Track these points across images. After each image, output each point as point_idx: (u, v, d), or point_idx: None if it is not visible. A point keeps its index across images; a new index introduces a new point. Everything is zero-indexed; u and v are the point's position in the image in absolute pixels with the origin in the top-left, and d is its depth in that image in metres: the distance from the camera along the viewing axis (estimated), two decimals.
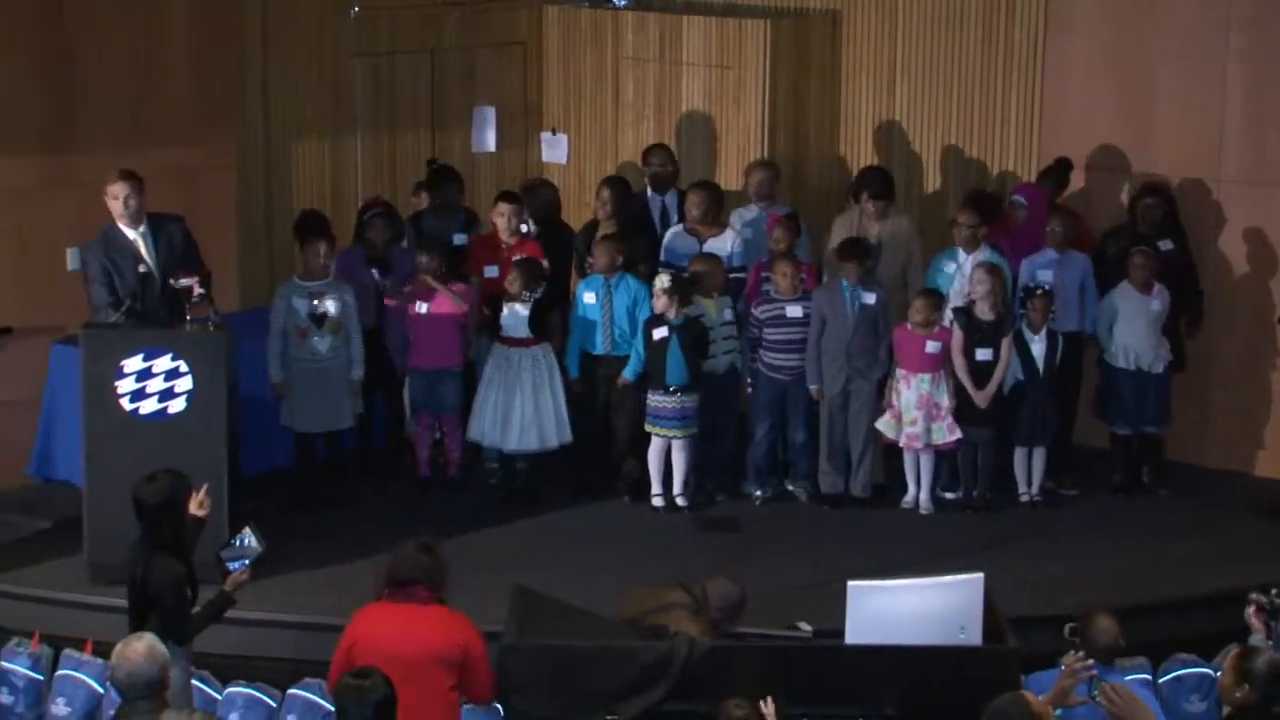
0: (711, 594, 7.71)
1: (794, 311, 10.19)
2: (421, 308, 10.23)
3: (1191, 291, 10.64)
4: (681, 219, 10.87)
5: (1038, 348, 10.16)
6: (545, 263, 10.38)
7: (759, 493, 10.40)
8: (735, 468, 10.47)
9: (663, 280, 10.02)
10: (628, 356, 10.20)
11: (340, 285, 10.01)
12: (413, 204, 11.28)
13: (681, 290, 10.02)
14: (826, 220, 11.26)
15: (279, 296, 9.99)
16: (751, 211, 10.98)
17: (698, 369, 10.08)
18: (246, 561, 7.43)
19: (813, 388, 10.20)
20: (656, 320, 10.06)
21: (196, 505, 7.45)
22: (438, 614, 6.67)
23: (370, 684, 5.84)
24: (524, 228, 10.65)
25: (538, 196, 11.04)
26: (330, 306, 9.88)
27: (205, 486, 7.58)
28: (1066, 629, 7.32)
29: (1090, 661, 6.58)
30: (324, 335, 9.89)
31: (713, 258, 10.38)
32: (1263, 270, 10.71)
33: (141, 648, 5.94)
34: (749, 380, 10.39)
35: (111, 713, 6.23)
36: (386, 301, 10.30)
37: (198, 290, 8.96)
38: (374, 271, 10.34)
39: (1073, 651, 6.73)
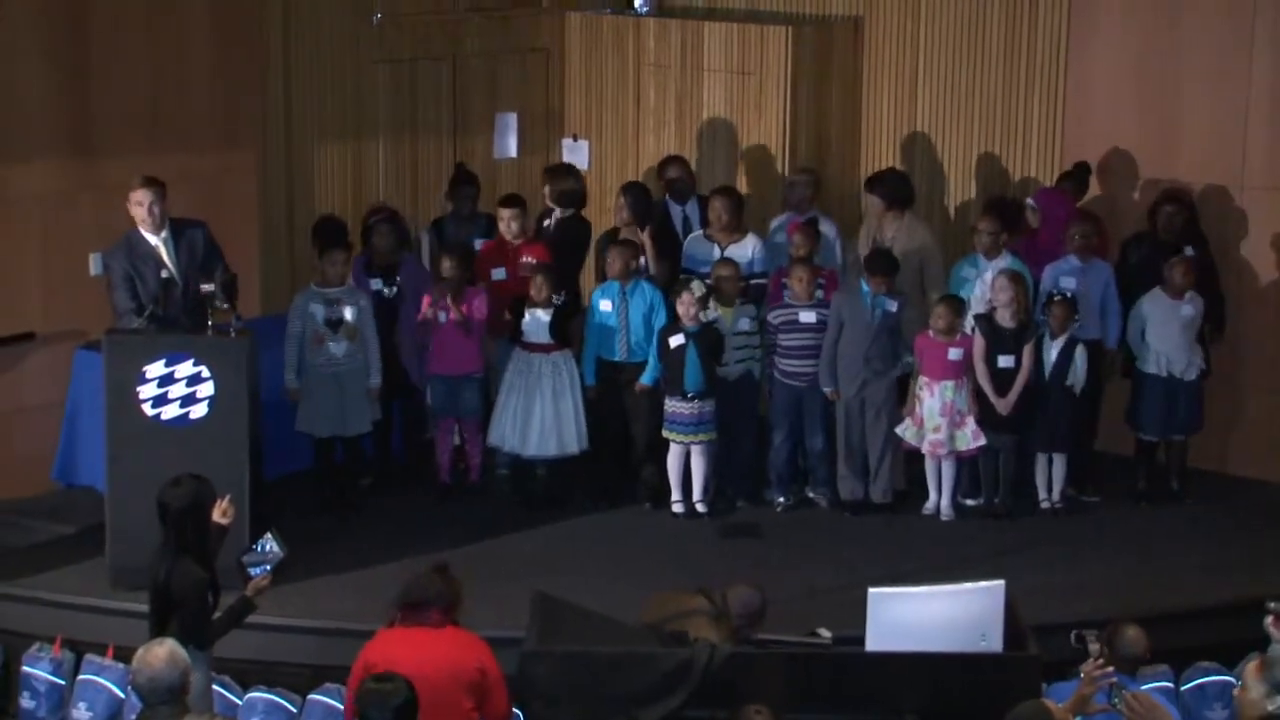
0: (732, 600, 7.71)
1: (807, 317, 10.21)
2: (441, 316, 10.24)
3: (1214, 298, 10.63)
4: (703, 226, 10.89)
5: (1052, 355, 10.15)
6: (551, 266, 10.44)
7: (780, 499, 10.40)
8: (756, 474, 10.48)
9: (697, 289, 10.05)
10: (645, 363, 10.22)
11: (357, 292, 10.05)
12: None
13: (707, 299, 10.10)
14: (845, 227, 11.27)
15: (296, 303, 10.03)
16: (783, 217, 11.05)
17: (714, 375, 10.11)
18: (268, 567, 7.44)
19: (826, 390, 10.21)
20: (672, 327, 10.08)
21: (220, 514, 7.48)
22: (453, 636, 6.62)
23: (392, 688, 5.84)
24: (547, 223, 10.71)
25: (564, 180, 11.01)
26: (347, 313, 9.91)
27: (229, 496, 7.60)
28: (1073, 636, 7.32)
29: (1110, 669, 6.57)
30: (340, 340, 9.91)
31: (730, 264, 10.39)
32: None
33: (163, 653, 5.95)
34: (769, 387, 10.41)
35: (133, 717, 6.34)
36: (423, 313, 10.27)
37: (209, 287, 8.98)
38: (372, 281, 10.32)
39: (1092, 659, 6.71)
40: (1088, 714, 6.48)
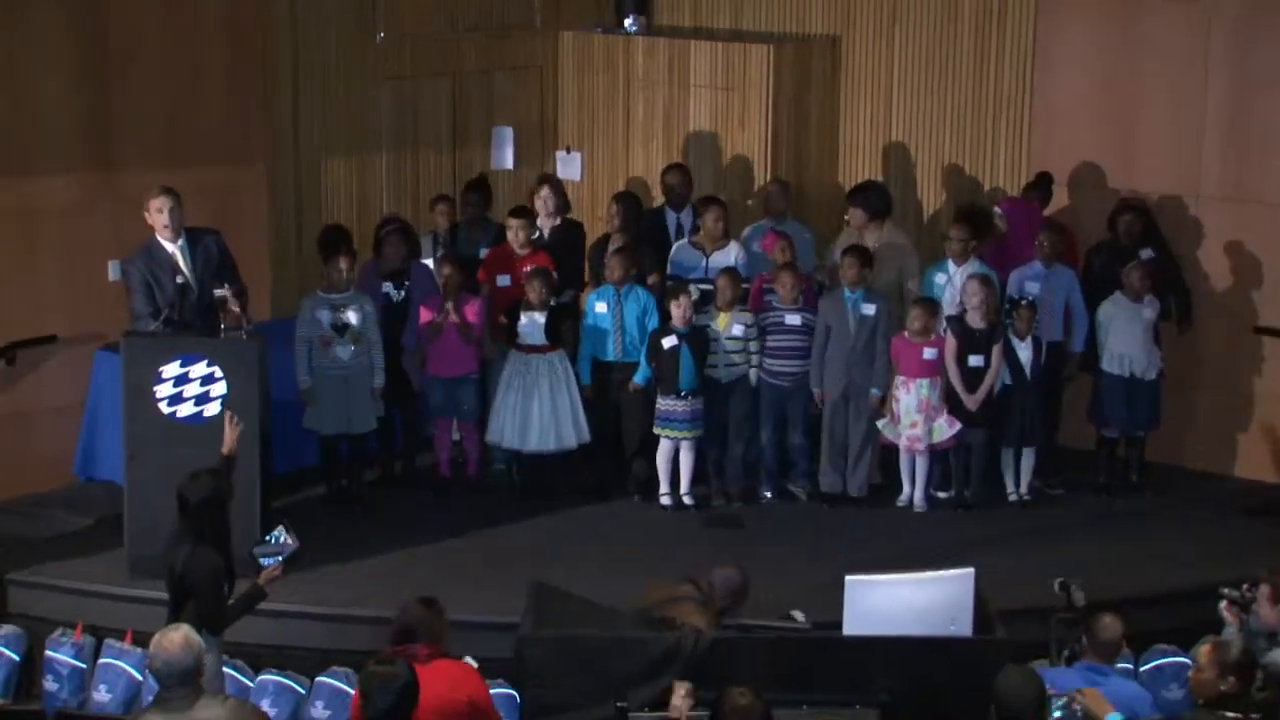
0: (715, 580, 7.91)
1: (793, 320, 10.42)
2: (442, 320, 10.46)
3: (1179, 291, 10.85)
4: (695, 233, 11.08)
5: (1025, 354, 10.36)
6: (555, 274, 10.67)
7: (767, 494, 10.62)
8: (749, 472, 10.67)
9: (693, 293, 10.32)
10: (637, 363, 10.43)
11: (361, 296, 10.16)
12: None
13: (700, 304, 10.35)
14: (825, 235, 11.45)
15: (304, 309, 10.14)
16: (756, 224, 11.25)
17: (704, 373, 10.34)
18: (280, 558, 7.53)
19: (816, 391, 10.44)
20: (663, 330, 10.30)
21: (229, 427, 7.96)
22: (440, 670, 6.32)
23: (395, 670, 5.87)
24: (536, 233, 10.93)
25: (562, 190, 11.25)
26: (352, 317, 10.06)
27: (234, 417, 8.12)
28: (1056, 584, 7.55)
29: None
30: (346, 344, 10.06)
31: (732, 273, 10.51)
32: (1241, 281, 10.92)
33: (178, 638, 5.93)
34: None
35: (150, 699, 6.29)
36: (423, 321, 10.45)
37: (221, 293, 9.13)
38: (383, 285, 10.48)
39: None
40: None
